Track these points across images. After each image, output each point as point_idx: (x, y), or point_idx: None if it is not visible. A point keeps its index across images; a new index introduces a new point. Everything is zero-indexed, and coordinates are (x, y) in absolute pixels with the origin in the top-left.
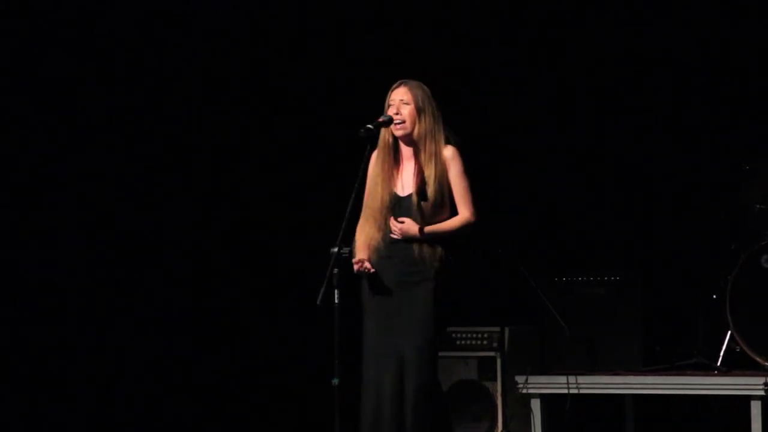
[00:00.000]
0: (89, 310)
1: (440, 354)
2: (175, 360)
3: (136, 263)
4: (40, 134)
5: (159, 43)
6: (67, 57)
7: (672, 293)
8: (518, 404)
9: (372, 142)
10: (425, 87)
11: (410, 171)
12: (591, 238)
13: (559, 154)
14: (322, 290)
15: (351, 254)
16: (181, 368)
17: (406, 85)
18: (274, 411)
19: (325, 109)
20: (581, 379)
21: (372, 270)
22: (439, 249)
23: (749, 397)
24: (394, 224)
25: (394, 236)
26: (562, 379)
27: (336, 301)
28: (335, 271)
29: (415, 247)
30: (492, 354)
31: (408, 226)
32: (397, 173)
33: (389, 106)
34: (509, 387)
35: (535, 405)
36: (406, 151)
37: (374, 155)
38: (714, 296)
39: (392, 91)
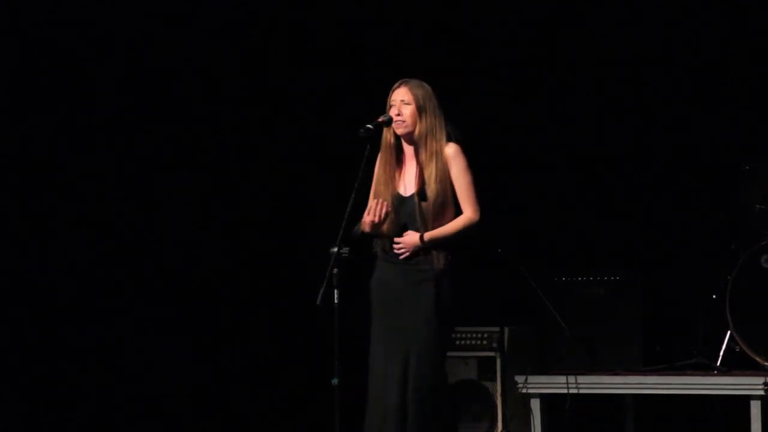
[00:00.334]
0: (88, 310)
1: None
2: (175, 360)
3: (136, 263)
4: (39, 134)
5: (159, 42)
6: (67, 57)
7: (672, 293)
8: (518, 404)
9: (372, 142)
10: (426, 85)
11: (413, 171)
12: (591, 238)
13: (559, 153)
14: (322, 290)
15: (350, 254)
16: (181, 368)
17: (406, 84)
18: (274, 411)
19: (325, 109)
20: (581, 379)
21: (390, 209)
22: (442, 249)
23: (749, 397)
24: (395, 247)
25: (400, 253)
26: (562, 379)
27: (336, 301)
28: (335, 271)
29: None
30: (492, 354)
31: (408, 239)
32: (400, 174)
33: (390, 106)
34: (509, 387)
35: (535, 405)
36: (409, 150)
37: (378, 156)
38: (714, 296)
39: (393, 91)
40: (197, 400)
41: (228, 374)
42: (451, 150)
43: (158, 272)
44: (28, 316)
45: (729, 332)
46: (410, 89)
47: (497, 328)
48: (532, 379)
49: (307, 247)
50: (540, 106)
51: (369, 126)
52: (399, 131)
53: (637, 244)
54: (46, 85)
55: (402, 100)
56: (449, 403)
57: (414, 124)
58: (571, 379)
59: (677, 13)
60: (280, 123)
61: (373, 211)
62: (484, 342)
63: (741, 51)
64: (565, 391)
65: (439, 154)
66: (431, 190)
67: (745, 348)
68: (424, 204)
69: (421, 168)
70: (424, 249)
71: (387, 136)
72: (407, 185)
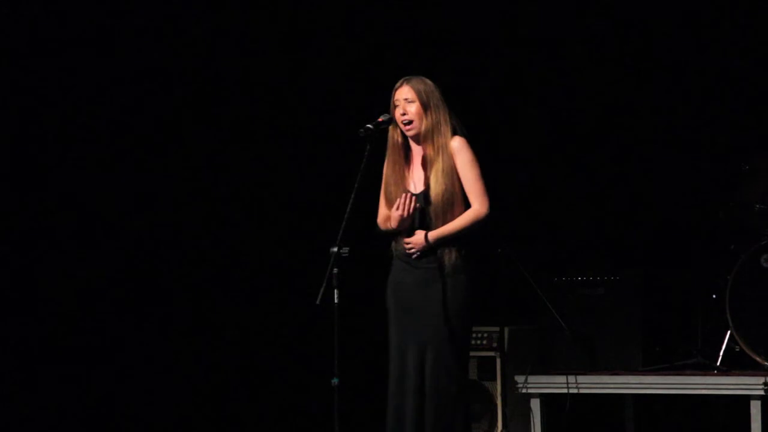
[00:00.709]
0: (88, 311)
1: None
2: (175, 360)
3: (136, 263)
4: (39, 133)
5: (159, 42)
6: (66, 56)
7: (672, 293)
8: (518, 404)
9: (372, 142)
10: (427, 80)
11: (421, 168)
12: (591, 238)
13: (558, 153)
14: (322, 290)
15: (350, 254)
16: (181, 368)
17: (408, 82)
18: (274, 411)
19: (325, 108)
20: (581, 379)
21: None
22: (455, 246)
23: (749, 397)
24: (406, 247)
25: (411, 253)
26: (562, 379)
27: (336, 301)
28: (335, 271)
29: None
30: (492, 354)
31: (415, 238)
32: (409, 172)
33: (395, 106)
34: (509, 387)
35: (535, 405)
36: (416, 148)
37: (386, 156)
38: (714, 296)
39: (396, 90)
40: (197, 400)
41: (228, 374)
42: (456, 143)
43: (158, 272)
44: (28, 314)
45: (729, 332)
46: (412, 87)
47: (497, 328)
48: (532, 379)
49: (307, 247)
50: (539, 106)
51: (369, 126)
52: (410, 134)
53: (637, 244)
54: (45, 85)
55: (406, 99)
56: (464, 406)
57: (421, 122)
58: (571, 379)
59: (677, 12)
60: (281, 122)
61: (402, 205)
62: (484, 342)
63: (741, 51)
64: (565, 391)
65: (444, 149)
66: (438, 186)
67: (745, 348)
68: (432, 201)
69: (428, 164)
70: (433, 247)
71: (394, 135)
72: (417, 183)
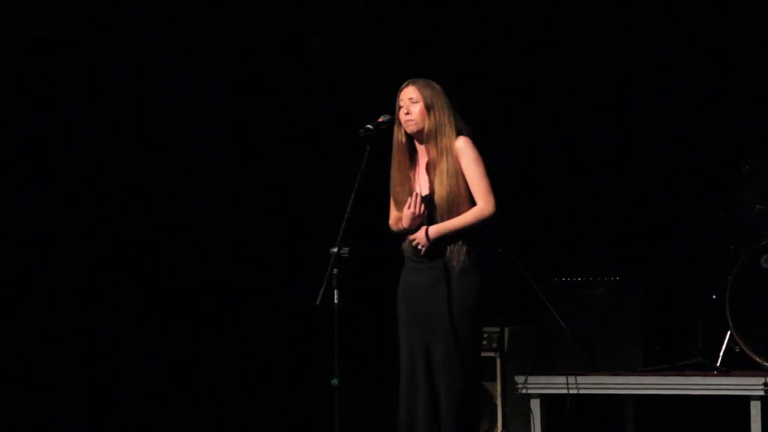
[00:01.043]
0: (87, 310)
1: None
2: (175, 360)
3: (135, 262)
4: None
5: (157, 40)
6: (66, 56)
7: (672, 293)
8: (518, 404)
9: (372, 142)
10: (434, 84)
11: (425, 170)
12: (591, 239)
13: (558, 153)
14: (322, 290)
15: (350, 254)
16: (181, 368)
17: (413, 84)
18: (274, 411)
19: (325, 108)
20: (581, 379)
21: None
22: (464, 246)
23: (749, 397)
24: (413, 243)
25: (419, 251)
26: (562, 379)
27: (336, 301)
28: (335, 271)
29: (439, 246)
30: (492, 354)
31: (419, 234)
32: (414, 173)
33: (399, 107)
34: (509, 387)
35: (535, 405)
36: (421, 149)
37: (392, 157)
38: (714, 296)
39: (401, 91)
40: (197, 400)
41: (228, 374)
42: (460, 143)
43: (158, 271)
44: (28, 314)
45: (729, 332)
46: (418, 88)
47: (497, 328)
48: (532, 379)
49: (307, 247)
50: (539, 106)
51: (369, 126)
52: (409, 129)
53: (637, 244)
54: (45, 85)
55: (410, 99)
56: (473, 405)
57: (423, 122)
58: (571, 379)
59: (677, 12)
60: (280, 122)
61: (414, 204)
62: (484, 342)
63: (741, 50)
64: (565, 391)
65: (449, 151)
66: (443, 188)
67: (744, 348)
68: (437, 203)
69: (432, 167)
70: (439, 245)
71: (398, 136)
72: (422, 184)
